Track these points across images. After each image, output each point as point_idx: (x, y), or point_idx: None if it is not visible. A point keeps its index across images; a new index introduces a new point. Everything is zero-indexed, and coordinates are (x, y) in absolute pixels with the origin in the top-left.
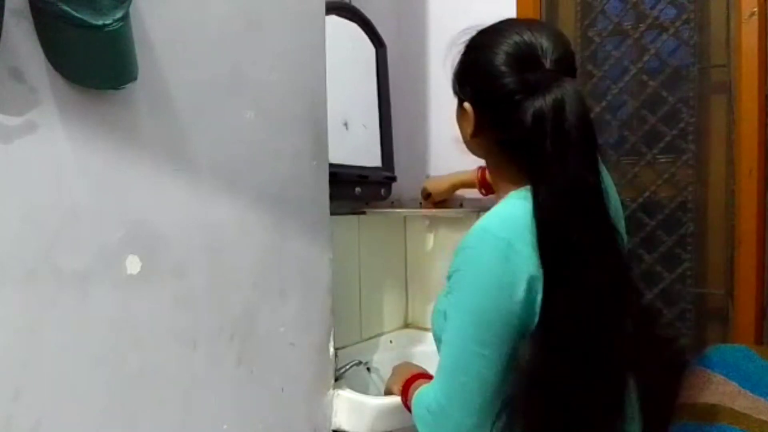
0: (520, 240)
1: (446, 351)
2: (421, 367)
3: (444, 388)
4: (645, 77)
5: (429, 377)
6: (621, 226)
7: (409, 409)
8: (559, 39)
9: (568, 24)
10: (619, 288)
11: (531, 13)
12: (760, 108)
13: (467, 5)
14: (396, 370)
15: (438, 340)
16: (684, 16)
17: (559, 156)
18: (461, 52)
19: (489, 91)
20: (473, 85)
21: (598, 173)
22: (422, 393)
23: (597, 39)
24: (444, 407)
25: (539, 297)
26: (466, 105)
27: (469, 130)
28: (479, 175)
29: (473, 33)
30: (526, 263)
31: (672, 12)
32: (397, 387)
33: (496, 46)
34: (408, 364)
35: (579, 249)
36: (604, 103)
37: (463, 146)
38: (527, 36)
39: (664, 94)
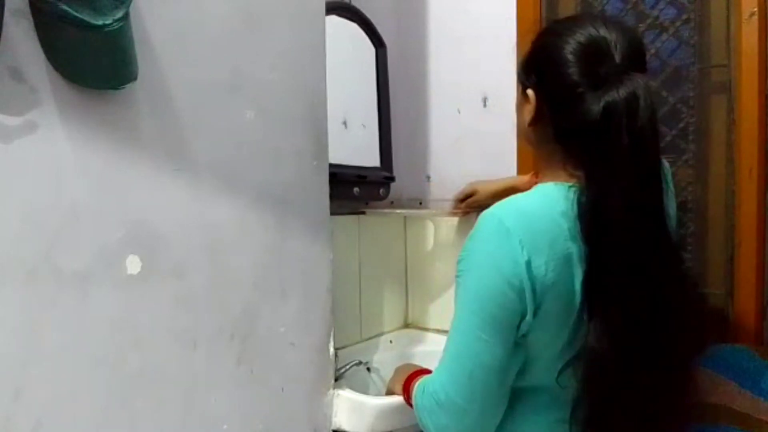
0: (521, 230)
1: (451, 337)
2: (423, 367)
3: (451, 376)
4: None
5: (430, 373)
6: (672, 214)
7: (411, 405)
8: (633, 35)
9: None
10: (672, 286)
11: (531, 13)
12: (760, 108)
13: (467, 5)
14: (398, 370)
15: None
16: (684, 16)
17: (634, 150)
18: (533, 40)
19: (554, 78)
20: (539, 71)
21: (661, 171)
22: (426, 381)
23: None
24: (450, 395)
25: (533, 291)
26: (529, 92)
27: (529, 117)
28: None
29: (549, 24)
30: (521, 252)
31: (672, 12)
32: (398, 386)
33: (568, 35)
34: (409, 365)
35: (638, 244)
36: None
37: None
38: (601, 29)
39: (664, 94)
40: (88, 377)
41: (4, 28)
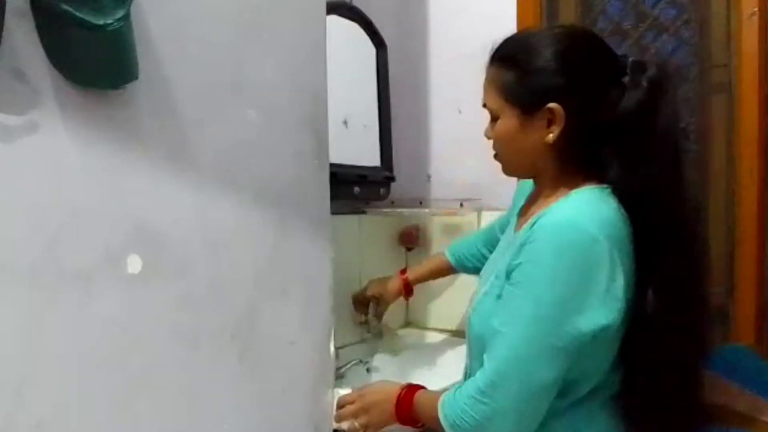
0: (612, 239)
1: (511, 345)
2: (399, 385)
3: (503, 371)
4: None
5: (422, 387)
6: None
7: (413, 423)
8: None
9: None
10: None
11: (531, 13)
12: (760, 108)
13: (467, 5)
14: (373, 403)
15: (479, 339)
16: (684, 16)
17: (674, 127)
18: (532, 57)
19: (587, 79)
20: (569, 81)
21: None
22: (458, 388)
23: None
24: (499, 384)
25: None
26: (552, 106)
27: (554, 132)
28: (402, 281)
29: (528, 41)
30: (619, 262)
31: (672, 12)
32: (387, 409)
33: (572, 43)
34: (377, 387)
35: (681, 225)
36: None
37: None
38: (584, 31)
39: None
40: (89, 377)
41: (6, 29)
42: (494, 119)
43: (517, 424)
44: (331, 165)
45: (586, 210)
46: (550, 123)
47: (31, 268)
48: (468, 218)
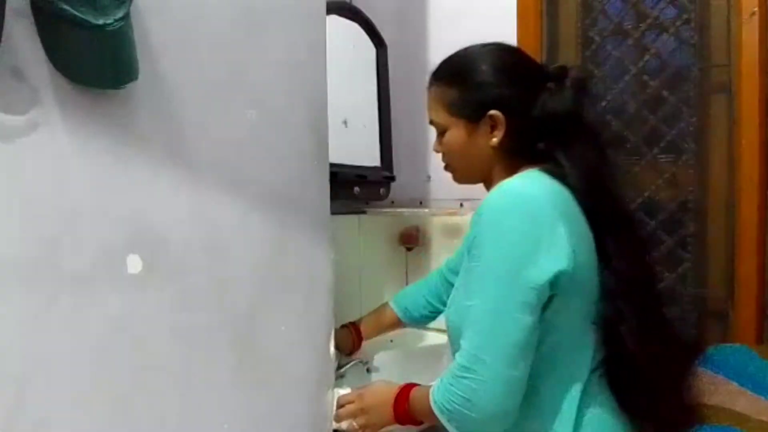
0: (549, 197)
1: (478, 319)
2: (395, 385)
3: (478, 343)
4: (645, 77)
5: (418, 384)
6: None
7: (412, 422)
8: None
9: (569, 24)
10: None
11: (532, 13)
12: (760, 108)
13: (467, 5)
14: (367, 400)
15: (457, 330)
16: (684, 16)
17: (594, 119)
18: (471, 73)
19: (521, 86)
20: (502, 88)
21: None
22: (443, 374)
23: (597, 39)
24: (478, 356)
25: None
26: (493, 112)
27: (497, 137)
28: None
29: (465, 60)
30: (566, 238)
31: (672, 12)
32: (386, 410)
33: (513, 53)
34: (375, 388)
35: (621, 202)
36: (604, 103)
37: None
38: (508, 46)
39: (665, 94)
40: (89, 376)
41: (5, 28)
42: (441, 133)
43: (503, 391)
44: (331, 165)
45: (526, 179)
46: (493, 128)
47: (30, 268)
48: (468, 218)
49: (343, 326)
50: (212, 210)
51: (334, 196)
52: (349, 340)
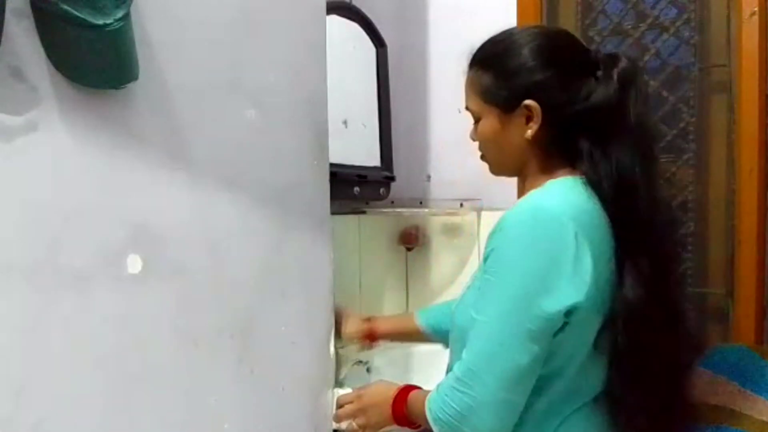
0: (578, 222)
1: (483, 336)
2: (395, 386)
3: (479, 361)
4: (645, 77)
5: (418, 387)
6: None
7: (409, 424)
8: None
9: (569, 23)
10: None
11: (532, 13)
12: (760, 108)
13: (468, 5)
14: (366, 400)
15: (462, 331)
16: (684, 16)
17: (645, 118)
18: (500, 60)
19: (561, 75)
20: (537, 80)
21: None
22: (441, 383)
23: (597, 39)
24: (477, 374)
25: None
26: (529, 102)
27: (532, 129)
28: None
29: (503, 43)
30: (590, 264)
31: (672, 12)
32: (384, 410)
33: (544, 41)
34: (375, 388)
35: (656, 209)
36: None
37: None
38: (555, 30)
39: (665, 93)
40: (88, 377)
41: (5, 28)
42: (477, 121)
43: (497, 413)
44: (331, 165)
45: (554, 195)
46: (528, 120)
47: (30, 268)
48: (468, 218)
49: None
50: (212, 210)
51: (334, 196)
52: (356, 327)
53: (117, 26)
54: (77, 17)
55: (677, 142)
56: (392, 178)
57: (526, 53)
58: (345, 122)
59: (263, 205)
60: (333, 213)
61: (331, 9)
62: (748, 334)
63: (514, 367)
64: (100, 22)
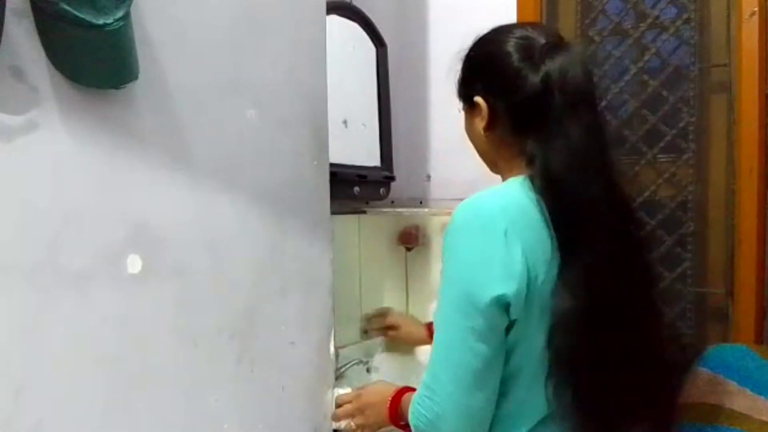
0: (510, 218)
1: (437, 338)
2: (396, 387)
3: (435, 368)
4: (645, 77)
5: (413, 389)
6: None
7: (405, 426)
8: (549, 27)
9: (569, 23)
10: (634, 256)
11: (531, 13)
12: (760, 108)
13: (468, 5)
14: (364, 399)
15: None
16: (684, 16)
17: (569, 109)
18: (463, 59)
19: (499, 72)
20: (484, 75)
21: (604, 131)
22: (418, 388)
23: (597, 38)
24: (438, 378)
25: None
26: (477, 99)
27: (483, 122)
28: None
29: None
30: (519, 253)
31: (672, 11)
32: (382, 410)
33: (502, 39)
34: (373, 388)
35: (592, 207)
36: (604, 103)
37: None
38: (524, 28)
39: (665, 93)
40: (88, 377)
41: (5, 28)
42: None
43: (463, 419)
44: (331, 165)
45: (495, 193)
46: (480, 114)
47: (30, 268)
48: None
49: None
50: (212, 210)
51: (334, 196)
52: (421, 334)
53: (117, 26)
54: (77, 17)
55: (677, 142)
56: (392, 178)
57: (475, 51)
58: (345, 122)
59: (263, 205)
60: (333, 213)
61: (331, 9)
62: (748, 333)
63: (469, 370)
64: (100, 22)
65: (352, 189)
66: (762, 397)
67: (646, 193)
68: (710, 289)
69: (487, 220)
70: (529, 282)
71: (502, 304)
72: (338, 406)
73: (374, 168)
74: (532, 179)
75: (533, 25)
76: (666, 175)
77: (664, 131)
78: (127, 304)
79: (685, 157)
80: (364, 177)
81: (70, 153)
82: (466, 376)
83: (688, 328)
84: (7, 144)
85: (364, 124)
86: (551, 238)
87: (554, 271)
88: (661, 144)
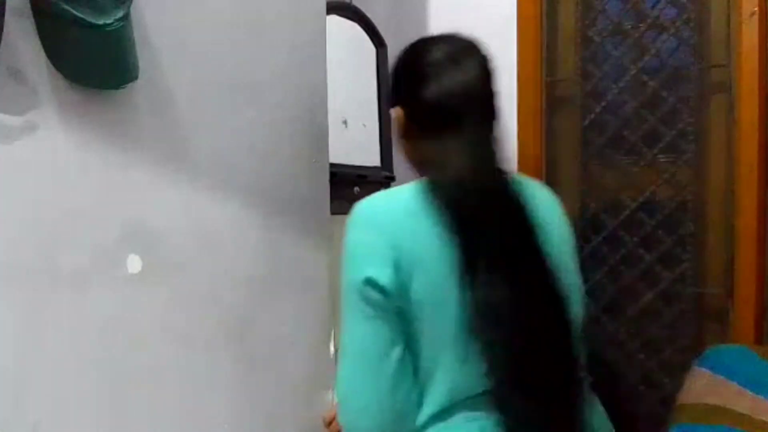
0: (395, 220)
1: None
2: None
3: (343, 369)
4: (645, 77)
5: None
6: (561, 251)
7: None
8: (458, 38)
9: (568, 24)
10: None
11: (531, 14)
12: (760, 108)
13: (467, 5)
14: None
15: None
16: (684, 16)
17: (460, 118)
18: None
19: (409, 86)
20: (398, 87)
21: (494, 148)
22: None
23: (597, 39)
24: (342, 362)
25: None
26: (393, 110)
27: (400, 130)
28: None
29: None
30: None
31: (672, 12)
32: None
33: (408, 53)
34: None
35: (477, 212)
36: (604, 103)
37: None
38: (429, 44)
39: (664, 93)
40: (87, 376)
41: (5, 28)
42: None
43: (375, 419)
44: (331, 165)
45: (382, 195)
46: (397, 123)
47: (29, 268)
48: None
49: None
50: (211, 210)
51: (334, 196)
52: None
53: (117, 26)
54: (77, 17)
55: (677, 142)
56: (392, 178)
57: (394, 64)
58: (345, 122)
59: (263, 205)
60: (333, 213)
61: (331, 9)
62: (748, 334)
63: (366, 354)
64: (100, 22)
65: (352, 189)
66: (762, 398)
67: (646, 194)
68: (710, 289)
69: (372, 216)
70: (410, 274)
71: (375, 286)
72: (330, 420)
73: (374, 168)
74: (427, 183)
75: (444, 37)
76: (666, 176)
77: (663, 132)
78: (126, 304)
79: (684, 157)
80: (364, 177)
81: (69, 153)
82: (362, 360)
83: (688, 328)
84: (7, 144)
85: (364, 124)
86: (440, 238)
87: (446, 270)
88: (661, 144)
